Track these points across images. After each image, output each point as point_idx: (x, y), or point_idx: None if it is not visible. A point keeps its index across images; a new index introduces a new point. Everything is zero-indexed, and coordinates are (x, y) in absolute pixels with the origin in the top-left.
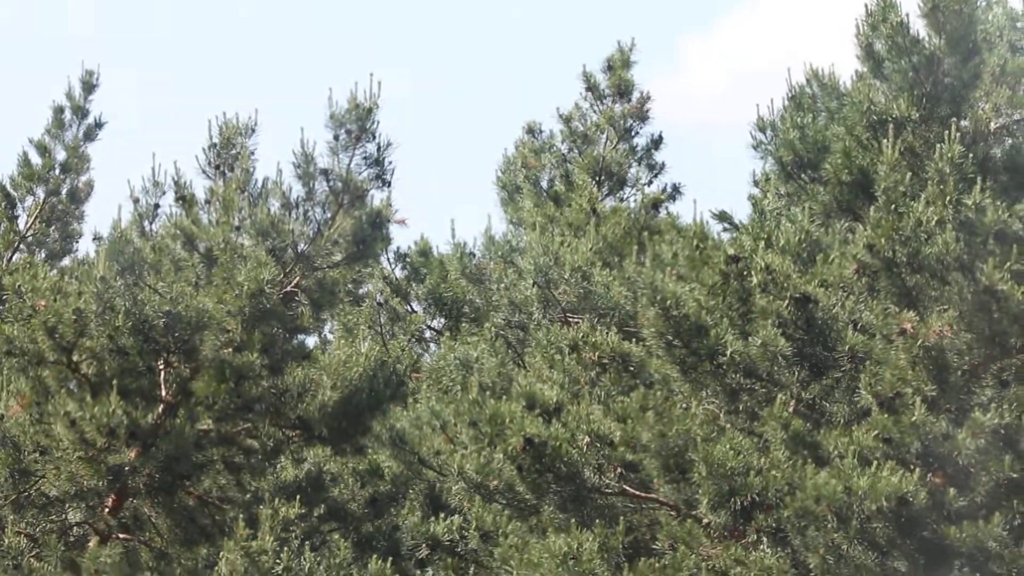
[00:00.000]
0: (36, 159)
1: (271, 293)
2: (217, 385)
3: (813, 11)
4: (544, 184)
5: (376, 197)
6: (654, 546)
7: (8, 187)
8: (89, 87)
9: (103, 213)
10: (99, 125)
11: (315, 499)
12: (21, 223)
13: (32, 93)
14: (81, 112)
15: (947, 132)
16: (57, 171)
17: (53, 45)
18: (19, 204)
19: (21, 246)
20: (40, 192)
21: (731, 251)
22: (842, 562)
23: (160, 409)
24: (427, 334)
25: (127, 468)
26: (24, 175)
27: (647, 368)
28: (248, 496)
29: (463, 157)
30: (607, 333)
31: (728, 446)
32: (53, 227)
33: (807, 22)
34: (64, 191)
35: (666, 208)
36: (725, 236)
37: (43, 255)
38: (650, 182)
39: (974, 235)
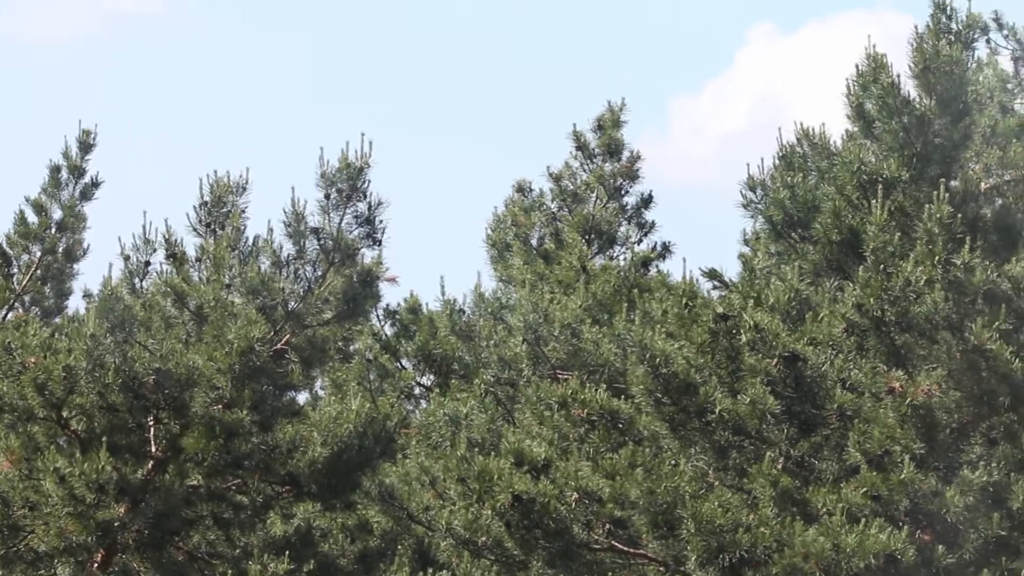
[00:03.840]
0: (32, 218)
1: (261, 350)
2: (207, 441)
3: (802, 72)
4: (534, 242)
5: (367, 255)
6: None
7: (4, 245)
8: (86, 147)
9: (95, 271)
10: (96, 184)
11: (304, 555)
12: (16, 281)
13: (29, 152)
14: (78, 171)
15: (936, 192)
16: (53, 230)
17: (50, 104)
18: (15, 262)
19: (16, 304)
20: (36, 250)
21: (720, 309)
22: None
23: (150, 465)
24: (416, 390)
25: (116, 524)
26: (20, 233)
27: (636, 425)
28: (237, 552)
29: (453, 215)
30: (596, 390)
31: (717, 503)
32: (48, 285)
33: (796, 84)
34: (60, 250)
35: (656, 266)
36: (715, 294)
37: (38, 313)
38: (640, 240)
39: (963, 295)
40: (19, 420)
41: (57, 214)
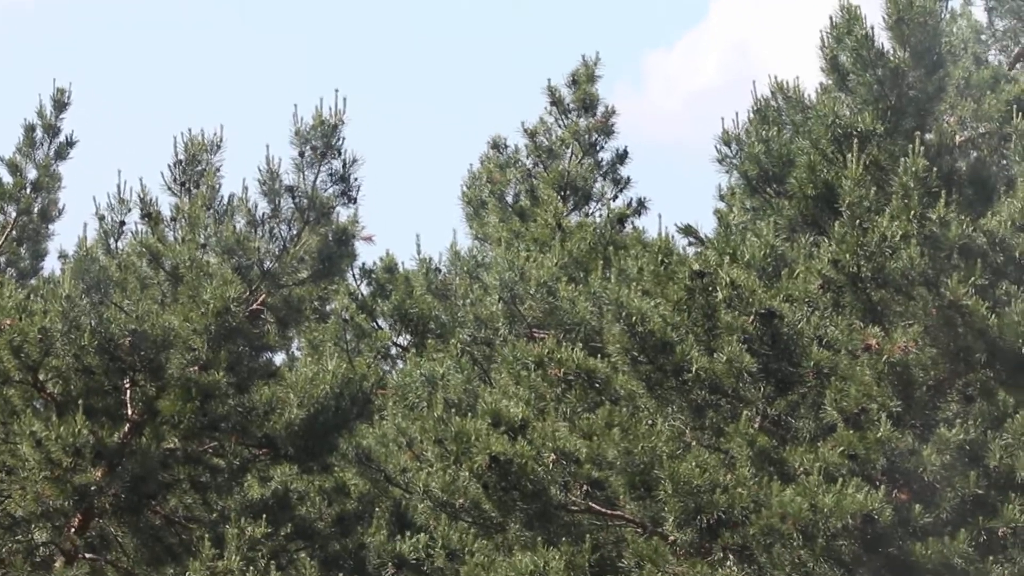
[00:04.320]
0: (7, 178)
1: (237, 311)
2: (183, 404)
3: (776, 27)
4: (509, 199)
5: (342, 214)
6: (620, 563)
7: None
8: (61, 105)
9: (71, 231)
10: (70, 144)
11: (282, 518)
12: None
13: (2, 113)
14: (52, 130)
15: (912, 145)
16: (28, 190)
17: (24, 63)
18: None
19: None
20: (11, 211)
21: (696, 266)
22: None
23: (126, 428)
24: (393, 351)
25: (93, 488)
26: None
27: (613, 384)
28: (214, 515)
29: (428, 172)
30: (573, 349)
31: (694, 463)
32: (23, 246)
33: (771, 38)
34: (35, 210)
35: (632, 223)
36: (691, 251)
37: (13, 275)
38: (615, 197)
39: (939, 249)
40: None
41: (32, 174)
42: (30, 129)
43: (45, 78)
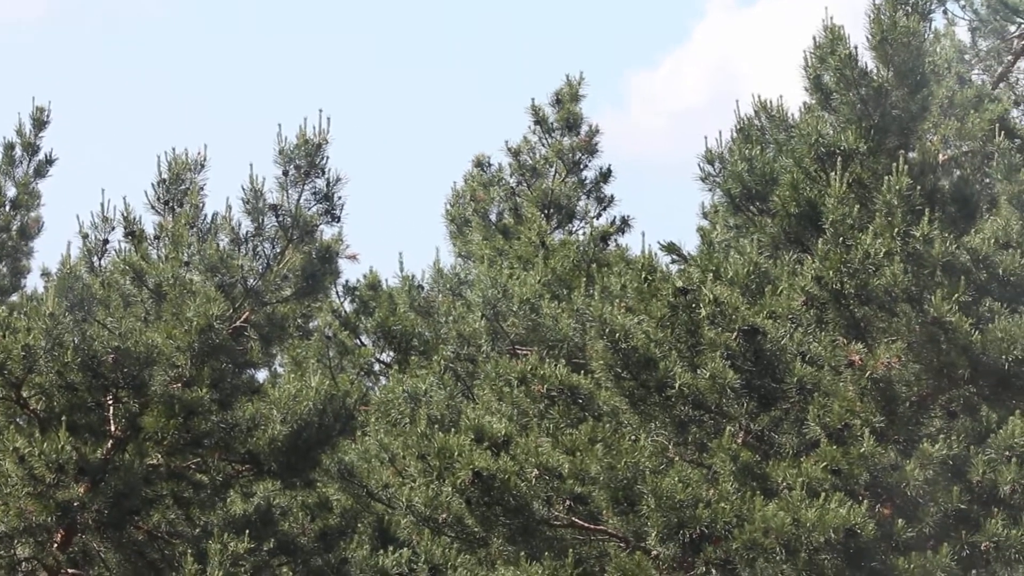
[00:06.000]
0: None
1: (220, 328)
2: (166, 420)
3: (760, 47)
4: (493, 217)
5: (326, 232)
6: None
7: None
8: (40, 124)
9: (52, 249)
10: (50, 162)
11: (265, 533)
12: None
13: None
14: (32, 149)
15: (895, 164)
16: (7, 207)
17: (3, 82)
18: None
19: None
20: None
21: (679, 283)
22: None
23: (109, 444)
24: (376, 367)
25: (76, 503)
26: None
27: (596, 400)
28: (197, 531)
29: (412, 191)
30: (556, 365)
31: (677, 478)
32: (3, 263)
33: (754, 58)
34: (14, 227)
35: (615, 241)
36: (674, 268)
37: None
38: (599, 215)
39: (922, 267)
40: None
41: (11, 192)
42: (9, 147)
43: (25, 96)
